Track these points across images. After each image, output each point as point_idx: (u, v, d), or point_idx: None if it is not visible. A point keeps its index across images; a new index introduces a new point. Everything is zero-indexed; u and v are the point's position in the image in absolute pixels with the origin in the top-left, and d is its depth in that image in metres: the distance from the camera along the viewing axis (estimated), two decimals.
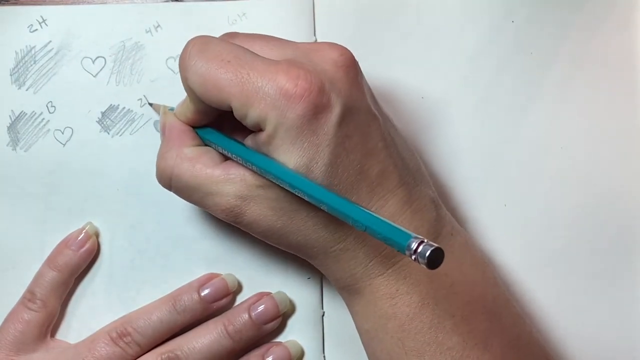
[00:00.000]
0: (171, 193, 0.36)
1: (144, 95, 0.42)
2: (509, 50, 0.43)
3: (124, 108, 0.42)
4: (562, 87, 0.43)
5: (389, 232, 0.29)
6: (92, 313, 0.41)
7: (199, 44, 0.34)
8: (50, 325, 0.40)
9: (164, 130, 0.37)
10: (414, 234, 0.28)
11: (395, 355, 0.34)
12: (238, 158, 0.34)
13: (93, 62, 0.42)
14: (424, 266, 0.27)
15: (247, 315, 0.39)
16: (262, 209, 0.34)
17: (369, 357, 0.37)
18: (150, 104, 0.42)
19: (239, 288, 0.41)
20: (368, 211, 0.30)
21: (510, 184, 0.43)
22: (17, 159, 0.42)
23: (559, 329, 0.42)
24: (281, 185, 0.33)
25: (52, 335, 0.41)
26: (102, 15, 0.42)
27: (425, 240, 0.27)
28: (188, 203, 0.41)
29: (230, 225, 0.37)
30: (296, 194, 0.32)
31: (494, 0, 0.43)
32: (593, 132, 0.43)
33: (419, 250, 0.27)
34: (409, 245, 0.27)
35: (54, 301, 0.40)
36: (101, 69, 0.42)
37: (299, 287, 0.41)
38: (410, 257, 0.27)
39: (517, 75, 0.43)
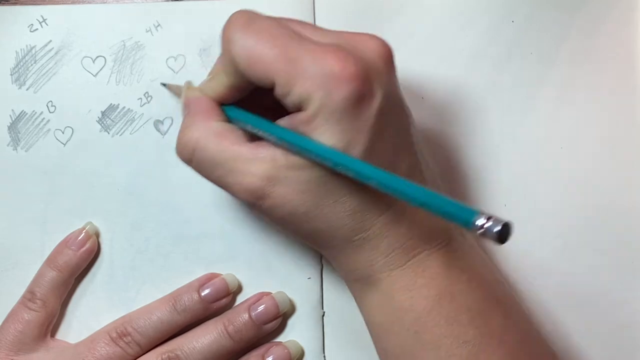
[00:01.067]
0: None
1: (144, 94, 0.42)
2: (509, 50, 0.43)
3: (124, 107, 0.42)
4: (562, 87, 0.43)
5: (452, 208, 0.29)
6: (92, 313, 0.41)
7: (245, 18, 0.33)
8: (50, 325, 0.40)
9: (188, 105, 0.36)
10: (479, 209, 0.28)
11: (409, 348, 0.34)
12: (272, 137, 0.33)
13: (93, 61, 0.42)
14: (494, 241, 0.27)
15: (247, 315, 0.39)
16: (289, 192, 0.33)
17: (378, 352, 0.36)
18: (164, 85, 0.41)
19: (239, 288, 0.41)
20: (425, 188, 0.30)
21: (510, 184, 0.43)
22: (17, 159, 0.41)
23: (558, 329, 0.42)
24: (320, 163, 0.32)
25: (52, 335, 0.41)
26: (102, 14, 0.42)
27: (494, 216, 0.28)
28: (188, 202, 0.41)
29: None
30: (339, 170, 0.32)
31: (493, 0, 0.43)
32: (593, 132, 0.43)
33: (487, 225, 0.28)
34: (474, 222, 0.28)
35: (54, 301, 0.40)
36: (101, 69, 0.42)
37: (299, 287, 0.41)
38: (476, 232, 0.28)
39: (517, 75, 0.43)
